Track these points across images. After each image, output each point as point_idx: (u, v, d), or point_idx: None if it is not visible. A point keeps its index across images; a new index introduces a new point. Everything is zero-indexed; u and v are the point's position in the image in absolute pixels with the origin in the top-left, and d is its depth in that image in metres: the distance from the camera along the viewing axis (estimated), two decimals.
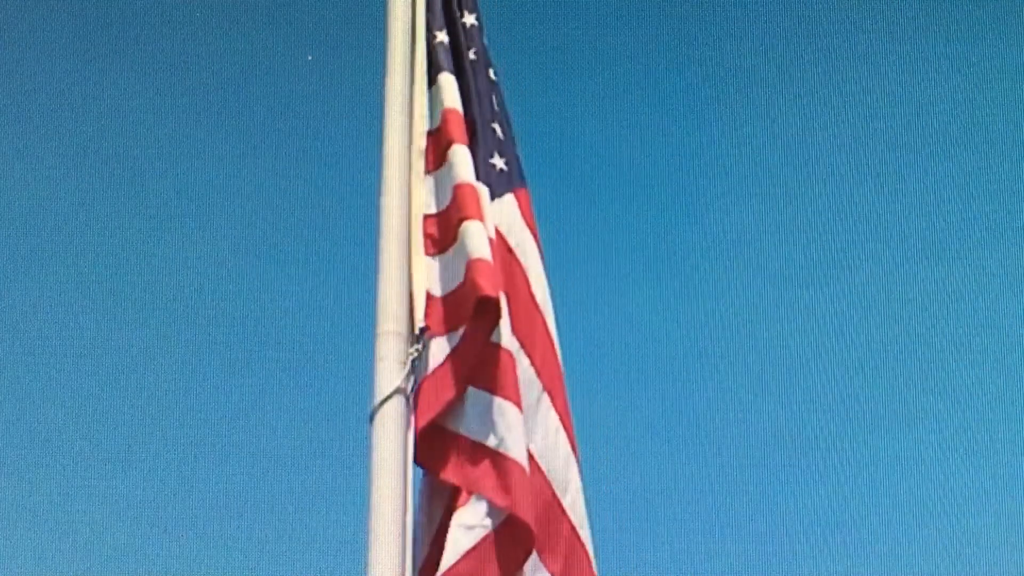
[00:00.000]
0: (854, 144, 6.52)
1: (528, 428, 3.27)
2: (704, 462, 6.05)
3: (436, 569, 3.03)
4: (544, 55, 7.03)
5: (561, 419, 3.51)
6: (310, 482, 5.87)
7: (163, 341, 6.59)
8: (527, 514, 3.08)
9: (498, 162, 3.74)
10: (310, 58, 6.78)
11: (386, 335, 3.21)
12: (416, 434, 3.15)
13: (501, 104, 3.94)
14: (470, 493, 3.12)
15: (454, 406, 3.21)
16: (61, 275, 6.59)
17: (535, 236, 3.76)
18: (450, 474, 3.17)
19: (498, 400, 3.19)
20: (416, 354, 3.20)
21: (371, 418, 3.12)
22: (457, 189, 3.45)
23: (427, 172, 3.55)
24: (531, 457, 3.23)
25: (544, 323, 3.62)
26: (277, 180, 6.80)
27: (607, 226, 6.81)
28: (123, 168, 6.85)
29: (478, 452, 3.15)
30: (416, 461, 3.15)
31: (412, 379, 3.18)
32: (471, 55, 3.88)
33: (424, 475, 3.25)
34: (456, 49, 3.85)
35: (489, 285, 3.23)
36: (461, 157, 3.51)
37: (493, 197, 3.62)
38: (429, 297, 3.31)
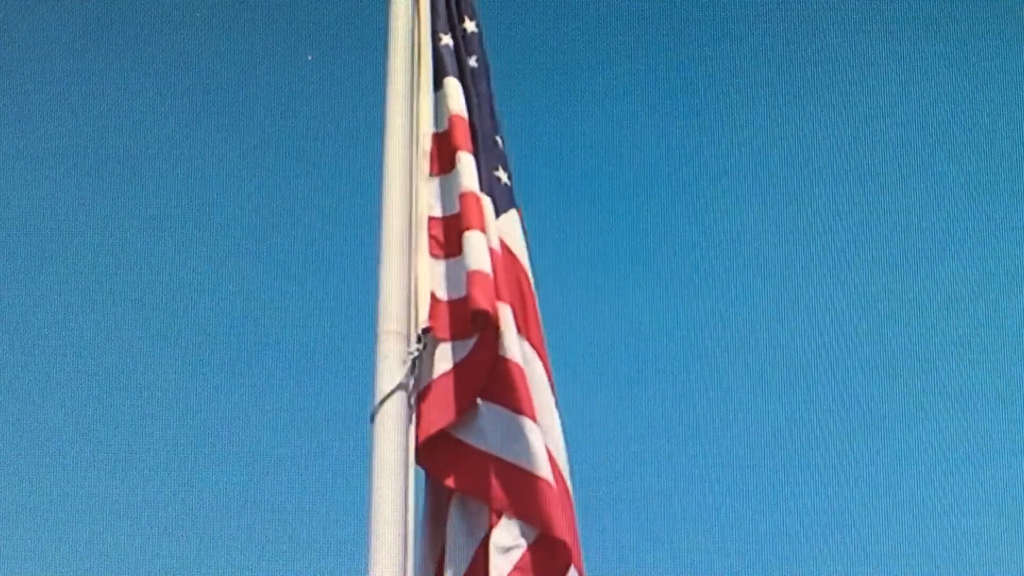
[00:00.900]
0: (854, 144, 6.53)
1: (546, 428, 3.26)
2: (704, 462, 6.06)
3: None
4: (544, 55, 7.04)
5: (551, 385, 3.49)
6: (310, 482, 5.87)
7: (163, 341, 6.59)
8: (563, 532, 3.09)
9: (503, 176, 3.72)
10: (310, 58, 6.78)
11: (387, 334, 3.21)
12: (421, 438, 3.16)
13: (498, 116, 3.91)
14: (499, 515, 3.11)
15: (466, 417, 3.21)
16: (61, 275, 6.58)
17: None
18: (463, 485, 3.17)
19: (517, 416, 3.18)
20: (417, 353, 3.21)
21: (372, 418, 3.12)
22: (463, 198, 3.45)
23: (433, 174, 3.55)
24: (551, 458, 3.22)
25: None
26: (277, 180, 6.81)
27: (607, 226, 6.82)
28: (123, 168, 6.85)
29: (504, 471, 3.15)
30: (420, 464, 3.16)
31: (413, 378, 3.19)
32: (472, 62, 3.86)
33: (427, 478, 3.24)
34: (457, 55, 3.83)
35: (485, 299, 3.24)
36: (467, 165, 3.51)
37: (499, 210, 3.60)
38: (433, 298, 3.32)
